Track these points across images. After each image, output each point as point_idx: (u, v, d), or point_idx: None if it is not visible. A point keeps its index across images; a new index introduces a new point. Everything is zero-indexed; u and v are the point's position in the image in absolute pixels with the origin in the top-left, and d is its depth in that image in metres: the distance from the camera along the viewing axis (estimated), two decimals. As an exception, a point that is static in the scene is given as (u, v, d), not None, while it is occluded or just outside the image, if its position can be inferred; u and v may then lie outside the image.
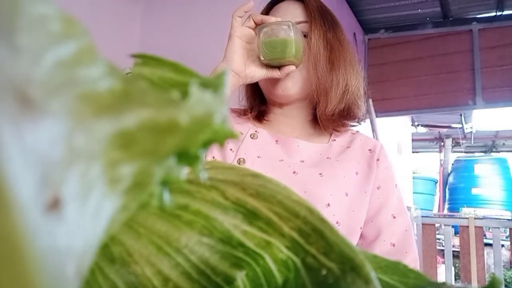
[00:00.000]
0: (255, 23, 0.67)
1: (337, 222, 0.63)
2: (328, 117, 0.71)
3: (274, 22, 0.65)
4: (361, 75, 0.75)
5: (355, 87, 0.72)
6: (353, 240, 0.65)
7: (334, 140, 0.74)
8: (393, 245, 0.66)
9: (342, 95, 0.70)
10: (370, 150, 0.73)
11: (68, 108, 0.09)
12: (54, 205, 0.08)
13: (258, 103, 0.78)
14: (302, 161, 0.69)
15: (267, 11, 0.76)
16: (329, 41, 0.70)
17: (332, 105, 0.70)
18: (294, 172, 0.66)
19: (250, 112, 0.76)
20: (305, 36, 0.70)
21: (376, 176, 0.70)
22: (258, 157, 0.68)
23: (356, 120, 0.76)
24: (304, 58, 0.69)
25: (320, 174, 0.66)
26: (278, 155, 0.69)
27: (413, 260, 0.66)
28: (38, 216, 0.08)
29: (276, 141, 0.72)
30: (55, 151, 0.09)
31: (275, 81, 0.70)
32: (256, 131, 0.72)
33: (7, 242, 0.07)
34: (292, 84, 0.69)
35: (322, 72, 0.69)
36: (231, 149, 0.69)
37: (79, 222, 0.09)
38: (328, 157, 0.70)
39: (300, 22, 0.71)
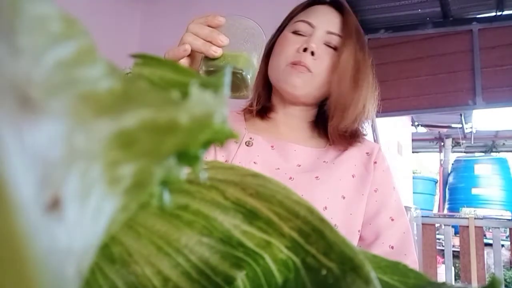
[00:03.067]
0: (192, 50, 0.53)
1: (335, 225, 0.63)
2: (340, 133, 0.71)
3: (218, 65, 0.52)
4: (376, 100, 0.75)
5: (370, 110, 0.73)
6: (352, 243, 0.65)
7: (332, 144, 0.74)
8: (392, 247, 0.65)
9: (358, 116, 0.71)
10: (367, 153, 0.73)
11: (68, 108, 0.09)
12: (54, 205, 0.08)
13: (266, 98, 0.77)
14: (299, 165, 0.69)
15: (302, 8, 0.75)
16: (358, 61, 0.70)
17: (347, 123, 0.70)
18: (290, 178, 0.66)
19: (257, 104, 0.76)
20: (334, 49, 0.70)
21: (374, 178, 0.69)
22: (254, 163, 0.67)
23: (360, 139, 0.76)
24: (329, 70, 0.68)
25: (317, 177, 0.66)
26: (274, 163, 0.68)
27: (412, 262, 0.66)
28: (38, 216, 0.08)
29: (272, 146, 0.71)
30: (55, 151, 0.09)
31: (285, 76, 0.69)
32: (251, 138, 0.71)
33: (7, 242, 0.07)
34: (302, 84, 0.68)
35: (345, 89, 0.69)
36: (226, 161, 0.69)
37: (79, 222, 0.09)
38: (324, 161, 0.70)
39: (333, 33, 0.70)
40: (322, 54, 0.68)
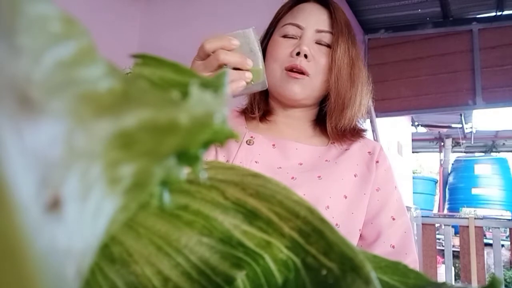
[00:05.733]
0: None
1: (336, 224, 0.63)
2: (338, 132, 0.72)
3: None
4: (370, 92, 0.75)
5: (365, 106, 0.73)
6: (353, 242, 0.65)
7: (333, 142, 0.74)
8: (393, 246, 0.66)
9: (355, 113, 0.71)
10: (369, 152, 0.73)
11: (68, 108, 0.09)
12: (54, 205, 0.08)
13: (264, 103, 0.77)
14: (300, 164, 0.69)
15: (288, 9, 0.74)
16: (352, 57, 0.70)
17: (345, 121, 0.70)
18: (292, 178, 0.65)
19: (258, 111, 0.76)
20: (328, 46, 0.69)
21: (375, 178, 0.69)
22: (256, 162, 0.67)
23: (360, 135, 0.76)
24: (325, 69, 0.68)
25: (319, 177, 0.66)
26: (276, 162, 0.68)
27: (413, 261, 0.66)
28: (38, 216, 0.08)
29: (273, 145, 0.71)
30: (55, 151, 0.09)
31: (283, 84, 0.69)
32: (251, 137, 0.71)
33: (7, 242, 0.07)
34: (301, 90, 0.68)
35: (343, 87, 0.69)
36: (227, 161, 0.68)
37: (79, 222, 0.09)
38: (326, 160, 0.70)
39: (322, 31, 0.69)
40: (315, 54, 0.68)
